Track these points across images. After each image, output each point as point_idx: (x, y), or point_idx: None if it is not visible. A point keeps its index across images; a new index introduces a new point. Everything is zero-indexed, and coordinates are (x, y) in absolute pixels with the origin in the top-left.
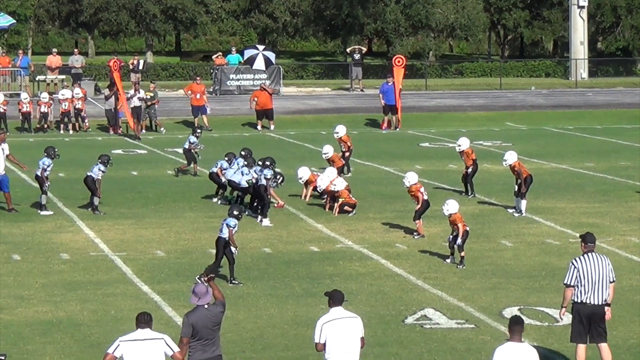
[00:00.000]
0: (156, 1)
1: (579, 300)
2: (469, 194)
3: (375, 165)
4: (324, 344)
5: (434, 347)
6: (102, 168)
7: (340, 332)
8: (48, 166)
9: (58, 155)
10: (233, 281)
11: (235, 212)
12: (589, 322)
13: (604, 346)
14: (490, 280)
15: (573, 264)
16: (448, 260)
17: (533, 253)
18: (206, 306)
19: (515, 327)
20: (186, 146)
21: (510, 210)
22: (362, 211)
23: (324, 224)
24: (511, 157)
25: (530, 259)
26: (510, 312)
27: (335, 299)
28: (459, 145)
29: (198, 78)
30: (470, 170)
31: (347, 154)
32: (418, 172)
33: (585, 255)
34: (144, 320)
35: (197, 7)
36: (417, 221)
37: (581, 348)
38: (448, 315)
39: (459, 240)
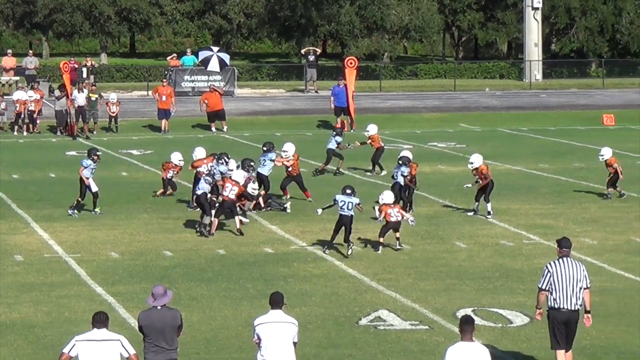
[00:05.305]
0: (110, 2)
1: (554, 307)
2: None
3: (329, 167)
4: (258, 343)
5: (388, 348)
6: (87, 163)
7: (273, 335)
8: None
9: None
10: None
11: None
12: (565, 328)
13: (567, 354)
14: (444, 281)
15: (547, 268)
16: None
17: (487, 254)
18: (159, 307)
19: (466, 326)
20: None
21: (469, 213)
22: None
23: (278, 225)
24: (477, 160)
25: (484, 260)
26: (464, 313)
27: (272, 301)
28: (471, 163)
29: (164, 80)
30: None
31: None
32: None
33: (560, 260)
34: (100, 320)
35: (151, 9)
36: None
37: (560, 354)
38: (402, 316)
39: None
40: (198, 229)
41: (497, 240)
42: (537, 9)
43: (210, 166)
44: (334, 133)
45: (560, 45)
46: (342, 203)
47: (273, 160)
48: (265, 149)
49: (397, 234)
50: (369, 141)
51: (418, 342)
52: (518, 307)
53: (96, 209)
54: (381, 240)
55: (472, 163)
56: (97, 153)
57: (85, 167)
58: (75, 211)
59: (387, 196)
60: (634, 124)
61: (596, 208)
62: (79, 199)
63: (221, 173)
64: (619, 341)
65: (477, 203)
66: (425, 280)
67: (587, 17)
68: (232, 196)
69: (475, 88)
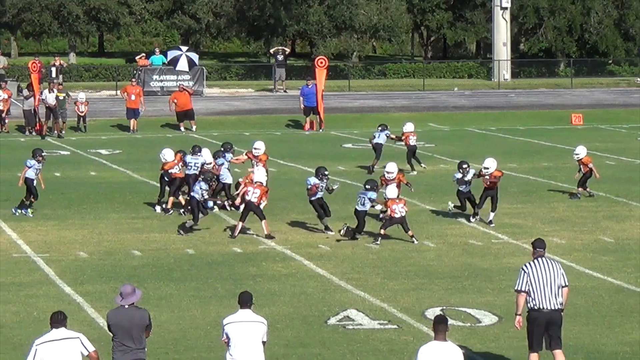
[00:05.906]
0: (79, 2)
1: (535, 307)
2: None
3: (298, 166)
4: (227, 342)
5: (356, 347)
6: (31, 163)
7: (242, 334)
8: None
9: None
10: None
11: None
12: (546, 329)
13: (558, 352)
14: (413, 280)
15: (523, 269)
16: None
17: (456, 254)
18: (127, 307)
19: (439, 326)
20: None
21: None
22: (285, 212)
23: (247, 225)
24: (493, 165)
25: (453, 259)
26: (433, 312)
27: (241, 300)
28: (487, 168)
29: (133, 80)
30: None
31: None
32: (340, 173)
33: (535, 261)
34: (58, 319)
35: (120, 8)
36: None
37: (534, 356)
38: (371, 316)
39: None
40: (193, 226)
41: (466, 239)
42: (505, 8)
43: (184, 163)
44: (380, 128)
45: (529, 45)
46: (358, 198)
47: (228, 161)
48: (222, 149)
49: (410, 232)
50: (404, 137)
51: (387, 341)
52: (486, 307)
53: (28, 210)
54: (382, 232)
55: (487, 168)
56: (42, 154)
57: (29, 167)
58: (29, 210)
59: (391, 191)
60: (603, 123)
61: (565, 207)
62: (32, 199)
63: (205, 163)
64: (587, 340)
65: (480, 213)
66: (394, 279)
67: (555, 16)
68: (255, 199)
69: (444, 88)
